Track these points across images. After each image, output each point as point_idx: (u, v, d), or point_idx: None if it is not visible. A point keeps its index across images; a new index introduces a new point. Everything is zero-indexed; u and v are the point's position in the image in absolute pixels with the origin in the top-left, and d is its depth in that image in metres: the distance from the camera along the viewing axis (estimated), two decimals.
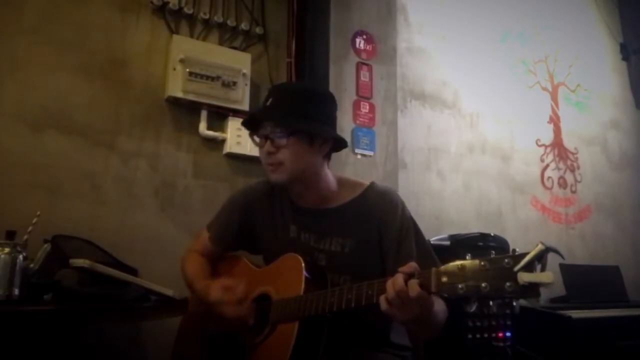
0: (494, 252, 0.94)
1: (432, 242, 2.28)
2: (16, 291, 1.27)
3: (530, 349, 2.36)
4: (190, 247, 1.64)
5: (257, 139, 1.37)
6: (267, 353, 1.26)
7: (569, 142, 3.61)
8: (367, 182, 1.44)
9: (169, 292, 1.51)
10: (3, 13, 1.94)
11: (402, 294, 1.00)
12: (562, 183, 3.51)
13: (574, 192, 3.55)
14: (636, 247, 3.71)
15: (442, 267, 0.98)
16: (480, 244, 2.42)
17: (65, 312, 1.28)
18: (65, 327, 1.63)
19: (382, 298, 1.05)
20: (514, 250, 0.90)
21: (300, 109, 1.33)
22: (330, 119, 1.40)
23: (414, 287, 0.99)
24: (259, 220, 1.50)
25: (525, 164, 3.35)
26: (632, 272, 3.45)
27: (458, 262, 0.96)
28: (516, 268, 0.87)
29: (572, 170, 3.58)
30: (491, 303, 0.92)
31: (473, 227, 2.81)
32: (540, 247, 0.86)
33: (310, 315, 1.19)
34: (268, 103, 1.34)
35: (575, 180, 3.58)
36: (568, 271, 2.97)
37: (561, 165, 3.53)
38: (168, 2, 2.23)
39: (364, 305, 1.11)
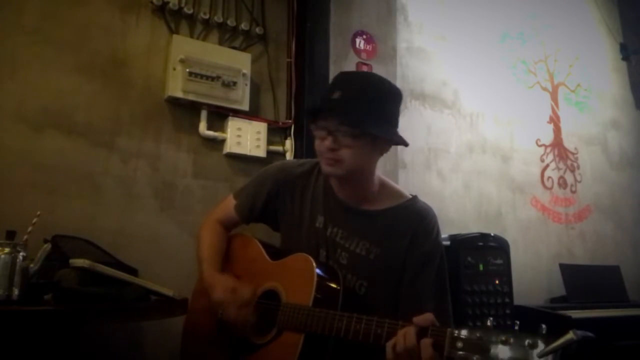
0: (518, 322, 0.87)
1: None
2: (16, 291, 1.27)
3: None
4: (212, 213, 1.61)
5: (315, 131, 1.29)
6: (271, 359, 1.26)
7: (569, 142, 3.61)
8: (409, 195, 1.42)
9: (169, 292, 1.50)
10: (3, 13, 1.94)
11: (414, 353, 0.97)
12: (562, 183, 3.51)
13: (574, 192, 3.55)
14: (636, 247, 3.71)
15: (459, 332, 0.91)
16: (480, 244, 2.43)
17: (65, 312, 1.27)
18: (65, 327, 1.63)
19: (389, 346, 1.01)
20: (540, 328, 0.83)
21: (368, 108, 1.26)
22: (395, 118, 1.35)
23: (427, 348, 0.95)
24: (288, 201, 1.46)
25: (525, 164, 3.35)
26: (632, 272, 3.45)
27: (478, 330, 0.89)
28: (537, 352, 0.79)
29: (572, 170, 3.58)
30: None
31: (473, 227, 2.82)
32: (570, 336, 0.77)
33: (317, 332, 1.17)
34: (335, 96, 1.25)
35: (575, 180, 3.58)
36: (568, 271, 2.98)
37: (561, 165, 3.53)
38: (168, 2, 2.23)
39: (371, 343, 1.06)
